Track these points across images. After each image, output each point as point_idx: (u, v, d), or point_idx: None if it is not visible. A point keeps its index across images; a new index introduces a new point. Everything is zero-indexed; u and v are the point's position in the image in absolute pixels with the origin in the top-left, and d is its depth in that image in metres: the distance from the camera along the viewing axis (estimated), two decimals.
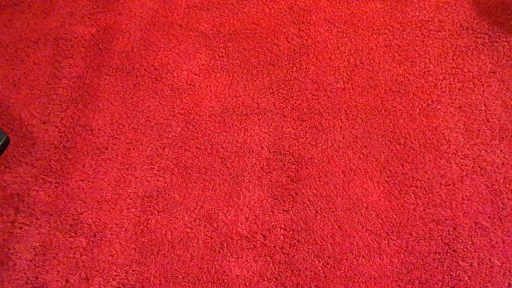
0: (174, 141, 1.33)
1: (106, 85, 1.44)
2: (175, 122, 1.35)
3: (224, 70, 1.42)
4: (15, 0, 1.64)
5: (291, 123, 1.31)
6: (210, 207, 1.23)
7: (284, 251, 1.15)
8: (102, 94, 1.42)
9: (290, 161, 1.26)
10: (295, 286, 1.12)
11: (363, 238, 1.14)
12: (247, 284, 1.13)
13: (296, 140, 1.28)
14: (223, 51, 1.45)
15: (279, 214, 1.20)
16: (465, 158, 1.20)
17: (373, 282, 1.10)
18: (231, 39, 1.47)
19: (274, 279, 1.13)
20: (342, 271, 1.12)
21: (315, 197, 1.20)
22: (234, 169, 1.27)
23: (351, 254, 1.13)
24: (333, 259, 1.13)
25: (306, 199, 1.20)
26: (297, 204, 1.20)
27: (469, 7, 1.41)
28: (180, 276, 1.16)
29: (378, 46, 1.37)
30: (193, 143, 1.32)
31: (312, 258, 1.14)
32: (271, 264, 1.15)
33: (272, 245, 1.16)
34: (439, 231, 1.14)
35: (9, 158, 1.35)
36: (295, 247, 1.15)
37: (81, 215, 1.25)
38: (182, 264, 1.17)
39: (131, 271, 1.18)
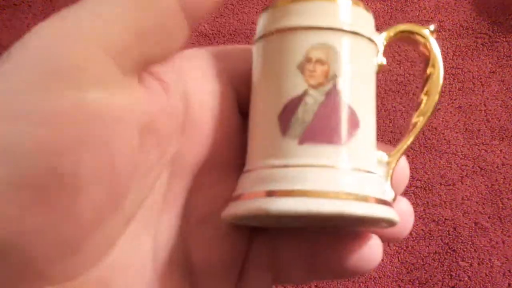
0: None
1: None
2: None
3: None
4: (15, 0, 1.64)
5: None
6: None
7: None
8: None
9: None
10: (295, 286, 1.12)
11: None
12: None
13: None
14: None
15: None
16: (465, 158, 1.20)
17: (373, 282, 1.10)
18: (231, 39, 1.47)
19: None
20: None
21: None
22: None
23: None
24: None
25: None
26: None
27: (469, 7, 1.41)
28: None
29: None
30: None
31: None
32: None
33: None
34: (439, 231, 1.14)
35: None
36: None
37: None
38: None
39: None
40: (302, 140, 0.34)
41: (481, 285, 1.08)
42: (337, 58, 0.35)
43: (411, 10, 1.43)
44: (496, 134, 1.22)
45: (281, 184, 0.33)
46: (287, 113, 0.34)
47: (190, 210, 0.38)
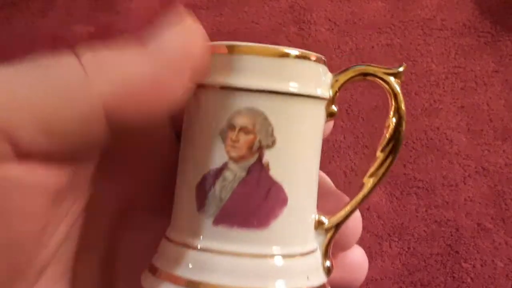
0: None
1: None
2: None
3: None
4: None
5: None
6: None
7: None
8: None
9: None
10: None
11: (365, 240, 1.13)
12: None
13: None
14: None
15: None
16: (468, 159, 1.19)
17: (374, 284, 1.09)
18: (231, 38, 1.45)
19: None
20: None
21: None
22: None
23: None
24: None
25: None
26: None
27: (471, 6, 1.40)
28: None
29: (380, 45, 1.36)
30: None
31: None
32: None
33: None
34: (442, 232, 1.13)
35: None
36: None
37: None
38: None
39: None
40: (217, 221, 0.30)
41: (484, 287, 1.07)
42: (265, 127, 0.30)
43: (413, 9, 1.42)
44: (499, 134, 1.21)
45: (191, 272, 0.29)
46: (204, 187, 0.30)
47: (113, 256, 0.35)
